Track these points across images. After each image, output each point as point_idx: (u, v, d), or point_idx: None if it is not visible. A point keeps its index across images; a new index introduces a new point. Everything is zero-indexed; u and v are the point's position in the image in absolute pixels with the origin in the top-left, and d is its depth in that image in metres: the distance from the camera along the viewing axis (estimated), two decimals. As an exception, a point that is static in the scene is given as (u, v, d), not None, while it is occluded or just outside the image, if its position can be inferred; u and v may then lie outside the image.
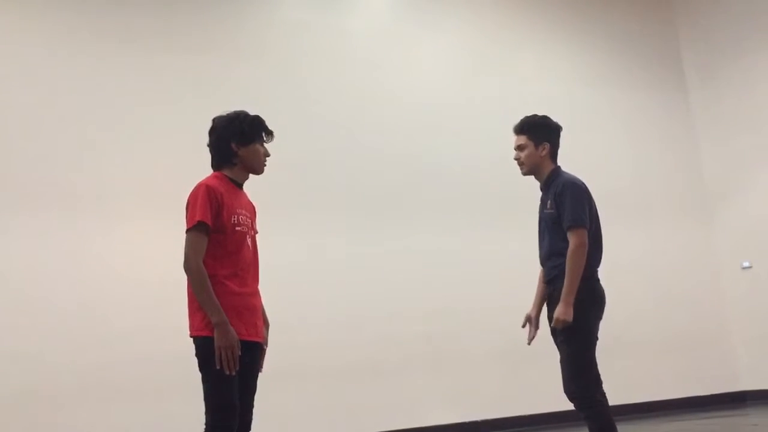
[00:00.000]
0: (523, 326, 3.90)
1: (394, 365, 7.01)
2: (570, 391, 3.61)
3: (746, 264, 8.51)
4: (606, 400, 3.64)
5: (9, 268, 6.01)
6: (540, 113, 3.98)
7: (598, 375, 3.68)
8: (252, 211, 3.39)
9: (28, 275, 6.04)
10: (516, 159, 3.91)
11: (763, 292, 8.32)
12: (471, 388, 7.22)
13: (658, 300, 8.30)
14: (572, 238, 3.60)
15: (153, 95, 6.73)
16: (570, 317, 3.54)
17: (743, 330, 8.55)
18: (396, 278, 7.20)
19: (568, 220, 3.63)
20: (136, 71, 6.71)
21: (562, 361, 3.66)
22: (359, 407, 6.80)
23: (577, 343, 3.60)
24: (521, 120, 3.92)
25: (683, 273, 8.53)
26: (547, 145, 3.83)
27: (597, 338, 3.68)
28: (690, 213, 8.80)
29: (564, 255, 3.62)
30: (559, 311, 3.57)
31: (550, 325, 3.77)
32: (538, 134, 3.84)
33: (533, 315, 3.89)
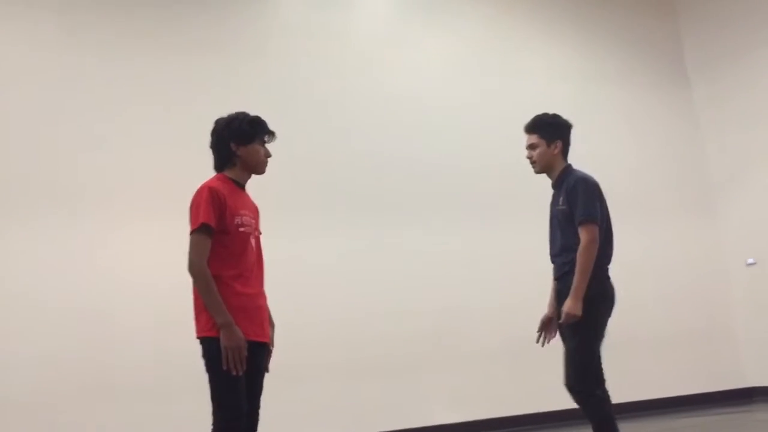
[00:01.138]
0: (539, 331, 3.85)
1: (399, 364, 7.01)
2: (570, 384, 3.63)
3: (751, 260, 8.49)
4: (608, 396, 3.63)
5: (11, 268, 6.01)
6: (547, 112, 3.98)
7: (602, 372, 3.67)
8: (255, 212, 3.39)
9: (30, 276, 6.03)
10: (528, 158, 3.91)
11: (769, 288, 8.31)
12: (477, 387, 7.21)
13: (663, 297, 8.29)
14: (583, 234, 3.60)
15: (157, 97, 6.73)
16: (579, 312, 3.53)
17: (749, 326, 8.54)
18: (402, 277, 7.19)
19: (580, 215, 3.63)
20: (140, 71, 6.71)
21: (565, 355, 3.66)
22: (365, 406, 6.80)
23: (582, 337, 3.60)
24: (532, 119, 3.92)
25: (688, 269, 8.52)
26: (559, 143, 3.85)
27: (604, 335, 3.68)
28: (695, 210, 8.78)
29: (575, 251, 3.62)
30: (567, 305, 3.56)
31: (558, 321, 3.76)
32: (550, 132, 3.85)
33: (553, 316, 3.85)
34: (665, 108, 8.98)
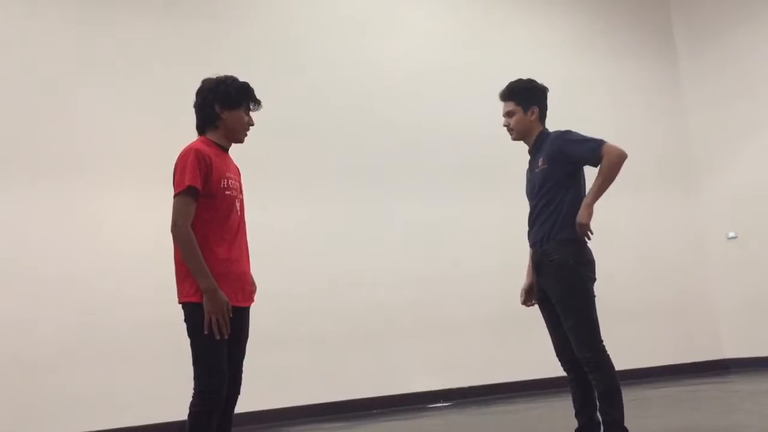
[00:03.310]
0: (524, 302, 3.85)
1: (380, 332, 7.05)
2: (585, 355, 3.55)
3: (732, 234, 8.57)
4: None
5: (6, 235, 5.97)
6: (521, 77, 3.87)
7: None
8: (239, 175, 3.37)
9: (13, 242, 6.00)
10: (505, 126, 3.82)
11: (748, 262, 8.40)
12: (457, 355, 7.28)
13: (644, 269, 8.36)
14: (608, 154, 3.58)
15: (143, 60, 6.64)
16: (588, 220, 3.50)
17: (727, 299, 8.65)
18: (382, 245, 7.21)
19: (592, 145, 3.59)
20: (125, 35, 6.61)
21: (569, 329, 3.57)
22: (346, 373, 6.85)
23: (580, 306, 3.55)
24: (507, 86, 3.81)
25: (669, 242, 8.59)
26: (536, 109, 3.76)
27: (595, 296, 3.63)
28: (676, 183, 8.84)
29: (555, 214, 3.59)
30: (580, 215, 3.51)
31: (537, 293, 3.76)
32: (526, 99, 3.76)
33: (533, 284, 3.80)
34: (651, 80, 8.98)
